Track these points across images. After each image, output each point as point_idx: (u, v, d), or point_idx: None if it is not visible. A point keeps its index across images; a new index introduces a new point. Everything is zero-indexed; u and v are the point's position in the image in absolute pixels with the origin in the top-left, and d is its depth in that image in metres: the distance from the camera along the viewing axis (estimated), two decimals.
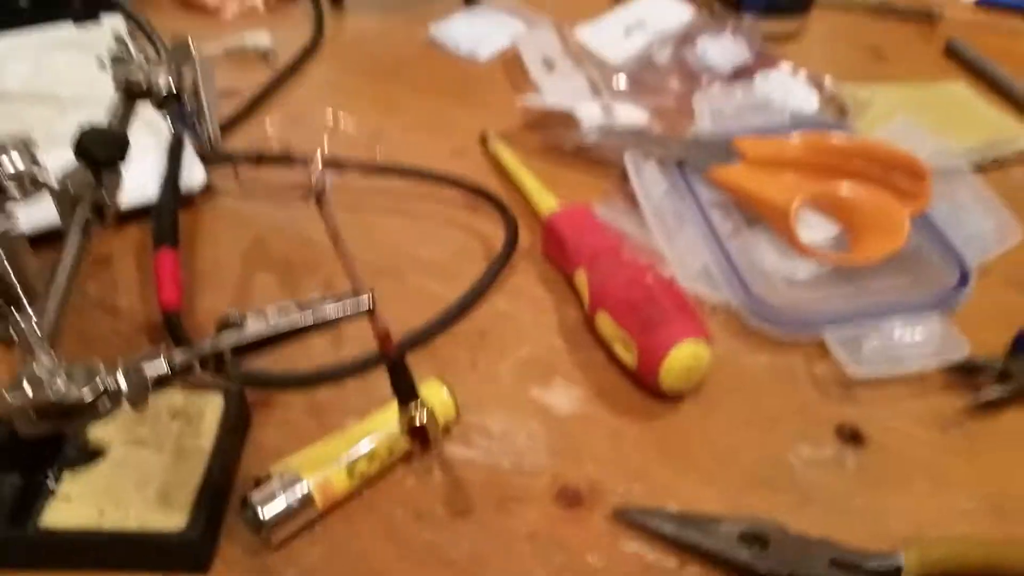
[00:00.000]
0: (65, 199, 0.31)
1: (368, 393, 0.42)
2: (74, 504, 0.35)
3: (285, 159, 0.54)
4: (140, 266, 0.49)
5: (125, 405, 0.27)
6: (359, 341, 0.45)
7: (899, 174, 0.50)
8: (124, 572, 0.35)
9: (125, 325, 0.45)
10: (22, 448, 0.35)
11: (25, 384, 0.25)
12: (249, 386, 0.41)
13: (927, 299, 0.45)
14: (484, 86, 0.66)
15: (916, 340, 0.43)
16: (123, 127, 0.33)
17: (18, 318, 0.27)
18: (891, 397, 0.42)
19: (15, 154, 0.29)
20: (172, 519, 0.35)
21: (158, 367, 0.27)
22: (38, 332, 0.26)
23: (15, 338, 0.27)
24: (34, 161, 0.29)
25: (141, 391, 0.27)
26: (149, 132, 0.54)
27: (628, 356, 0.42)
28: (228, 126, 0.60)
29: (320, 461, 0.37)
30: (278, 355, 0.43)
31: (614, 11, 0.69)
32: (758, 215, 0.51)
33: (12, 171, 0.29)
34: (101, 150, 0.30)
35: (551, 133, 0.58)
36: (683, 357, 0.40)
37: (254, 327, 0.27)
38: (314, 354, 0.44)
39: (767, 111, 0.58)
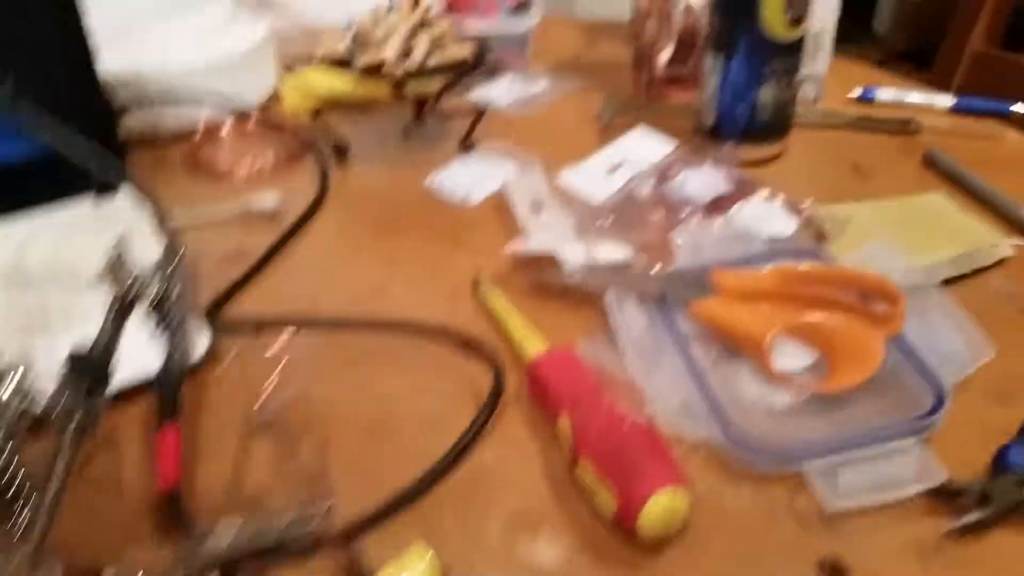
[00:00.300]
0: (57, 422, 0.33)
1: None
2: None
3: (284, 321, 0.57)
4: (144, 440, 0.51)
5: None
6: (349, 501, 0.46)
7: (873, 299, 0.51)
8: None
9: (128, 502, 0.47)
10: None
11: None
12: None
13: (904, 424, 0.46)
14: (477, 230, 0.69)
15: (894, 469, 0.44)
16: (111, 347, 0.36)
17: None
18: (872, 526, 0.43)
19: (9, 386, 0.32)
20: None
21: None
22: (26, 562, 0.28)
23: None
24: (25, 395, 0.31)
25: None
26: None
27: (608, 505, 0.42)
28: (235, 289, 0.63)
29: None
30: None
31: (599, 151, 0.72)
32: (735, 347, 0.52)
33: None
34: (88, 373, 0.33)
35: (538, 273, 0.61)
36: (660, 508, 0.41)
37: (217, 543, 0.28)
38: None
39: (745, 241, 0.60)
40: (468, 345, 0.56)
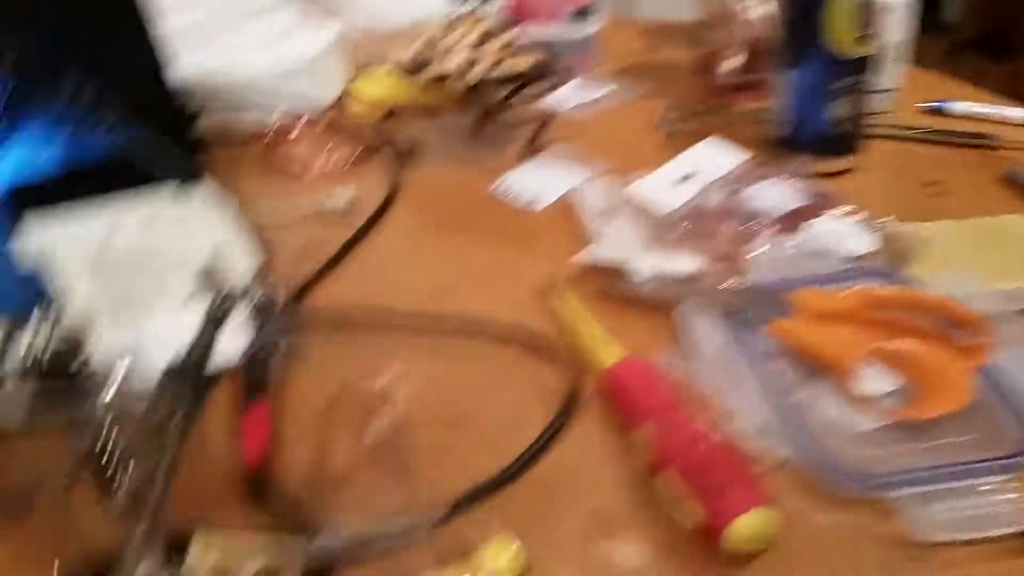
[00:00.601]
0: (156, 427, 0.34)
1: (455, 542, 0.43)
2: None
3: (361, 320, 0.58)
4: (230, 422, 0.52)
5: None
6: (431, 487, 0.46)
7: (958, 328, 0.50)
8: None
9: (214, 478, 0.48)
10: None
11: None
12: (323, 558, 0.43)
13: (997, 462, 0.44)
14: (543, 235, 0.69)
15: (988, 506, 0.43)
16: (206, 356, 0.36)
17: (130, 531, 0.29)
18: (963, 560, 0.42)
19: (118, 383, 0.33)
20: None
21: None
22: (144, 540, 0.29)
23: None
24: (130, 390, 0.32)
25: None
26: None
27: (692, 519, 0.42)
28: (313, 282, 0.64)
29: None
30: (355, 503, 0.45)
31: (670, 161, 0.71)
32: (817, 368, 0.51)
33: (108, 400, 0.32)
34: (185, 383, 0.34)
35: (607, 282, 0.61)
36: (748, 528, 0.40)
37: None
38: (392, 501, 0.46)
39: (821, 258, 0.60)
40: (545, 347, 0.56)
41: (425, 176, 0.79)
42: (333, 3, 1.01)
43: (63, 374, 0.36)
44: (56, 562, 0.37)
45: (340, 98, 0.90)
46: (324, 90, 0.89)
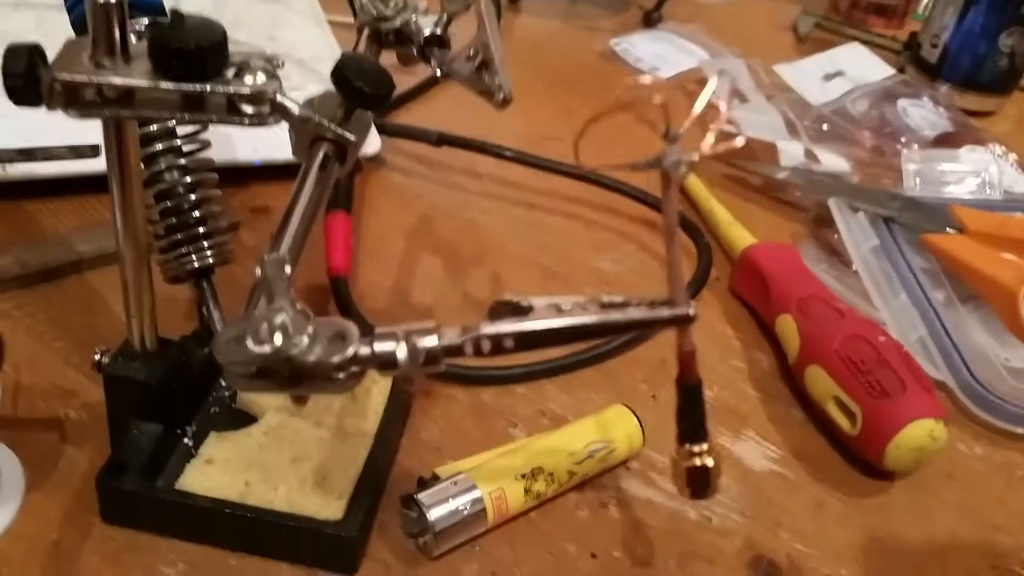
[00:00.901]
0: (305, 133, 0.27)
1: (537, 404, 0.37)
2: (217, 469, 0.31)
3: (464, 143, 0.50)
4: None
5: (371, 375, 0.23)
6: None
7: None
8: (261, 556, 0.30)
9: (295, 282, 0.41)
10: (169, 397, 0.31)
11: (277, 335, 0.21)
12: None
13: None
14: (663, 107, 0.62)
15: None
16: (378, 69, 0.29)
17: (268, 262, 0.22)
18: None
19: (260, 74, 0.25)
20: (327, 507, 0.30)
21: (429, 340, 0.22)
22: (287, 277, 0.22)
23: (256, 277, 0.22)
24: (278, 84, 0.25)
25: (415, 366, 0.22)
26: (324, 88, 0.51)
27: (846, 421, 0.36)
28: (405, 100, 0.56)
29: (495, 472, 0.32)
30: None
31: (812, 57, 0.64)
32: (976, 291, 0.45)
33: (250, 92, 0.25)
34: (366, 82, 0.26)
35: (740, 166, 0.54)
36: (919, 436, 0.34)
37: (545, 318, 0.23)
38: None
39: (978, 184, 0.53)
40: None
41: (528, 24, 0.71)
42: None
43: None
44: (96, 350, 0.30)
45: None
46: None
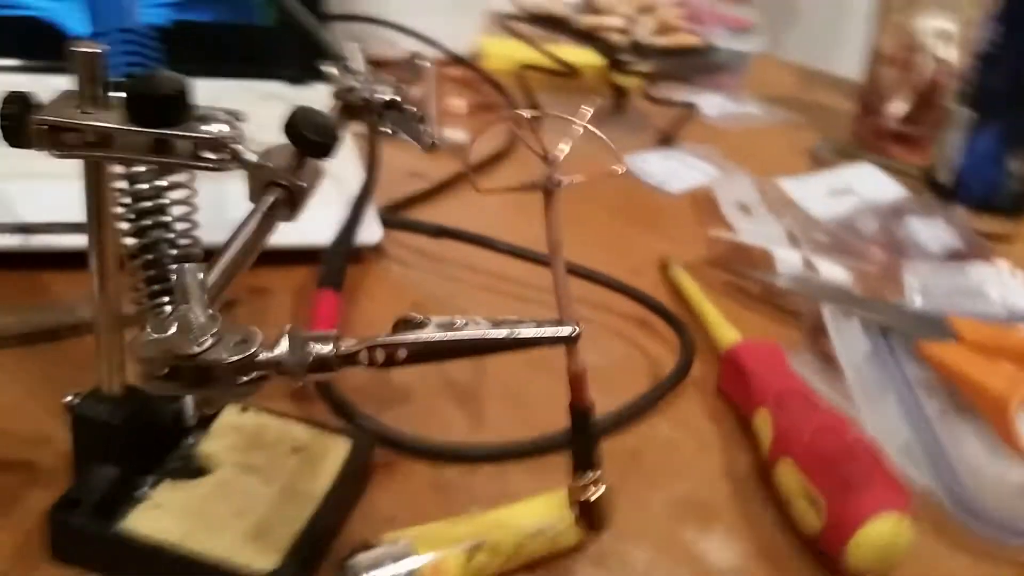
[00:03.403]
0: (259, 177, 0.29)
1: (501, 484, 0.37)
2: (163, 514, 0.31)
3: (463, 236, 0.52)
4: (296, 304, 0.47)
5: (274, 380, 0.23)
6: (499, 428, 0.40)
7: None
8: None
9: None
10: (131, 441, 0.32)
11: (173, 329, 0.22)
12: (379, 441, 0.37)
13: None
14: (671, 217, 0.63)
15: None
16: (334, 132, 0.31)
17: (183, 269, 0.24)
18: None
19: (223, 125, 0.28)
20: (262, 558, 0.30)
21: (323, 346, 0.23)
22: (200, 283, 0.23)
23: (174, 294, 0.24)
24: (238, 134, 0.27)
25: (301, 366, 0.23)
26: (335, 184, 0.53)
27: (812, 516, 0.35)
28: (410, 203, 0.59)
29: (438, 540, 0.32)
30: (411, 419, 0.40)
31: (820, 173, 0.65)
32: (970, 402, 0.44)
33: (211, 136, 0.27)
34: (313, 132, 0.28)
35: (738, 272, 0.54)
36: (882, 531, 0.33)
37: (437, 331, 0.23)
38: (451, 429, 0.40)
39: (982, 300, 0.53)
40: (656, 311, 0.49)
41: (547, 139, 0.74)
42: None
43: None
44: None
45: (476, 50, 0.87)
46: (462, 37, 0.85)
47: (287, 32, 0.65)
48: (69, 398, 0.32)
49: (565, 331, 0.24)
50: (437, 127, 0.34)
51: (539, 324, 0.25)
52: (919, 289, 0.52)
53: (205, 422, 0.35)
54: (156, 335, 0.22)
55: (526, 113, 0.25)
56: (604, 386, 0.44)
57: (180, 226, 0.34)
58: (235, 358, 0.22)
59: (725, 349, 0.45)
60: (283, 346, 0.23)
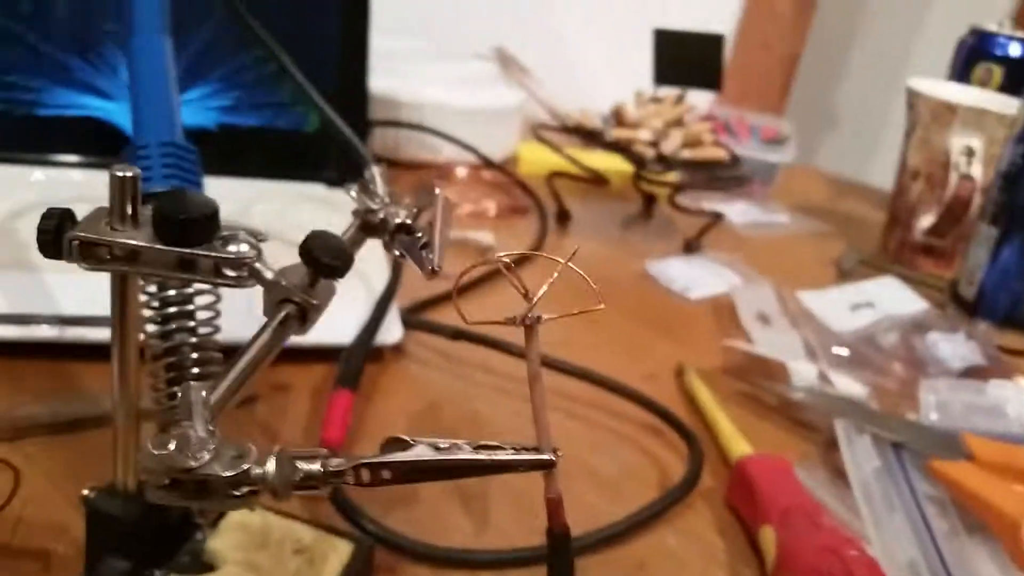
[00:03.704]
0: (274, 293, 0.31)
1: None
2: None
3: (480, 339, 0.53)
4: (314, 402, 0.48)
5: (264, 496, 0.25)
6: (504, 533, 0.41)
7: None
8: None
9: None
10: (142, 536, 0.33)
11: (171, 444, 0.24)
12: (380, 544, 0.38)
13: None
14: (689, 323, 0.64)
15: None
16: (349, 251, 0.33)
17: (188, 387, 0.25)
18: None
19: (243, 244, 0.30)
20: None
21: (311, 464, 0.25)
22: (203, 401, 0.25)
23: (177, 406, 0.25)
24: (257, 254, 0.29)
25: (286, 484, 0.25)
26: (361, 283, 0.56)
27: None
28: (437, 301, 0.61)
29: None
30: (416, 521, 0.40)
31: (841, 287, 0.66)
32: (981, 522, 0.43)
33: (232, 257, 0.29)
34: (326, 255, 0.30)
35: (754, 383, 0.55)
36: None
37: (421, 452, 0.25)
38: (453, 534, 0.40)
39: (999, 418, 0.52)
40: (667, 419, 0.50)
41: (573, 244, 0.76)
42: (529, 78, 1.03)
43: None
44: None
45: (509, 157, 0.90)
46: (496, 143, 0.89)
47: (327, 138, 0.69)
48: (86, 492, 0.33)
49: (543, 458, 0.25)
50: (441, 254, 0.36)
51: (518, 450, 0.26)
52: (936, 405, 0.52)
53: (215, 519, 0.36)
54: (157, 451, 0.24)
55: (506, 256, 0.26)
56: (612, 493, 0.45)
57: (203, 330, 0.37)
58: (229, 474, 0.24)
59: (735, 462, 0.45)
60: (270, 465, 0.24)
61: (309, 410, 0.48)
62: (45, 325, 0.48)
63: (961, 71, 0.90)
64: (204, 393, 0.25)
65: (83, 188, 0.64)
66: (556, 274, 0.26)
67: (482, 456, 0.25)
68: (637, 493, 0.45)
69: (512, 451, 0.25)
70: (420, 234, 0.36)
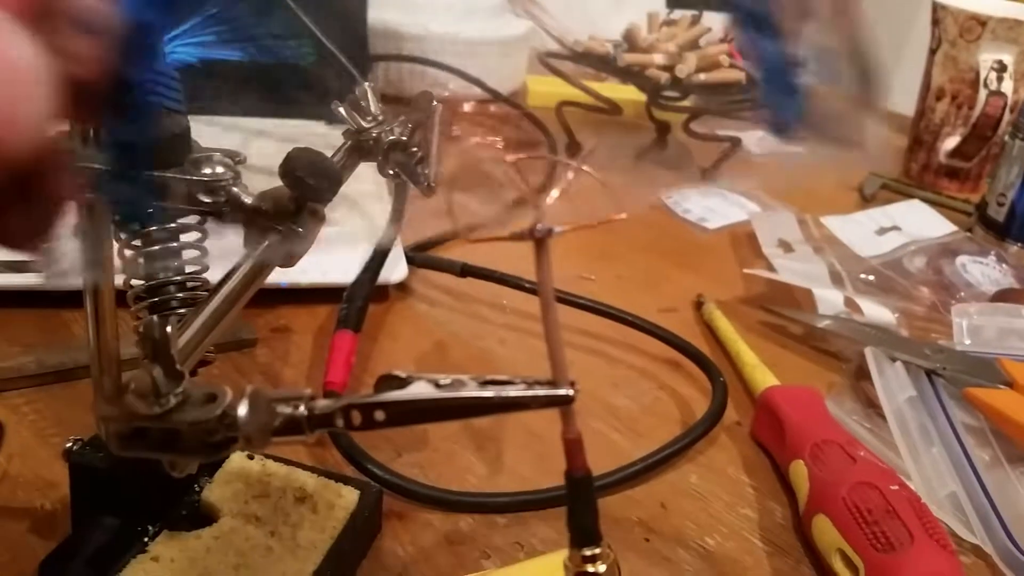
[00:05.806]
0: (256, 223, 0.28)
1: (516, 536, 0.35)
2: (159, 568, 0.30)
3: (489, 275, 0.51)
4: (316, 345, 0.46)
5: (240, 444, 0.22)
6: (519, 475, 0.39)
7: None
8: None
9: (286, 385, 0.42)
10: (130, 491, 0.31)
11: (130, 392, 0.21)
12: (389, 491, 0.35)
13: None
14: (707, 254, 0.61)
15: None
16: (339, 173, 0.30)
17: (154, 322, 0.23)
18: None
19: (218, 166, 0.27)
20: None
21: (292, 408, 0.22)
22: (169, 339, 0.22)
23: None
24: (234, 176, 0.26)
25: (263, 431, 0.22)
26: (364, 222, 0.53)
27: None
28: (443, 240, 0.58)
29: None
30: (427, 464, 0.38)
31: (866, 211, 0.63)
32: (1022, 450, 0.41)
33: (206, 179, 0.26)
34: (310, 176, 0.27)
35: (777, 312, 0.52)
36: None
37: (419, 390, 0.22)
38: (466, 478, 0.38)
39: None
40: (687, 353, 0.47)
41: (586, 176, 0.73)
42: (535, 4, 0.98)
43: None
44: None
45: (516, 89, 0.86)
46: (503, 75, 0.85)
47: (325, 72, 0.65)
48: (69, 444, 0.31)
49: (559, 392, 0.22)
50: (437, 169, 0.33)
51: (530, 384, 0.23)
52: (968, 331, 0.49)
53: (211, 468, 0.34)
54: (113, 394, 0.21)
55: (511, 157, 0.23)
56: (632, 431, 0.43)
57: (190, 268, 0.34)
58: (197, 419, 0.21)
59: (760, 394, 0.43)
60: (242, 409, 0.22)
61: (312, 353, 0.45)
62: (29, 273, 0.45)
63: None
64: (169, 329, 0.23)
65: None
66: (571, 175, 0.23)
67: (489, 393, 0.22)
68: (658, 430, 0.42)
69: (524, 386, 0.22)
70: (416, 149, 0.33)
